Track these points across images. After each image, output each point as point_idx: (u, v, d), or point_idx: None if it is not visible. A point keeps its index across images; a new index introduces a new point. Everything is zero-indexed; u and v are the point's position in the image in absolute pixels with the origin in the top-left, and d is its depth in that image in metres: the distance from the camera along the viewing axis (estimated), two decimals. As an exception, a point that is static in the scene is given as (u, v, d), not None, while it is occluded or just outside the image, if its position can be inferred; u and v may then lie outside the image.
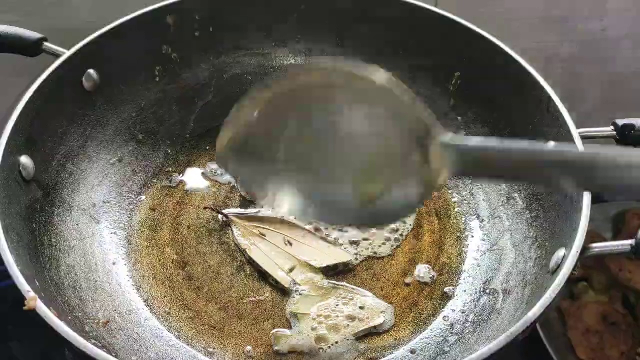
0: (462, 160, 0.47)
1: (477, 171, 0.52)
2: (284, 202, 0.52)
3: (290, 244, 0.67)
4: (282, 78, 0.53)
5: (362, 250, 0.67)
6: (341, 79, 0.48)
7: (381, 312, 0.62)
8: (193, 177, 0.74)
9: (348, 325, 0.61)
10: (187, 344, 0.60)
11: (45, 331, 0.49)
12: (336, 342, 0.60)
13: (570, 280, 0.54)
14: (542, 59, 0.93)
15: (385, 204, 0.51)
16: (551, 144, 0.57)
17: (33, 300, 0.50)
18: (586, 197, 0.57)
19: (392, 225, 0.69)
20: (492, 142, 0.47)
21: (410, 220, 0.70)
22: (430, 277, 0.66)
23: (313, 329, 0.61)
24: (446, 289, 0.65)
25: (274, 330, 0.61)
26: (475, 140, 0.48)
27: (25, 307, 0.50)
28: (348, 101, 0.48)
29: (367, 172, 0.50)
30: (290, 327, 0.61)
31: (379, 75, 0.47)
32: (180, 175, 0.74)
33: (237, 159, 0.52)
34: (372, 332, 0.62)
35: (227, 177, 0.73)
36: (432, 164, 0.48)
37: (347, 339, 0.61)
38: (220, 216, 0.69)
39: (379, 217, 0.53)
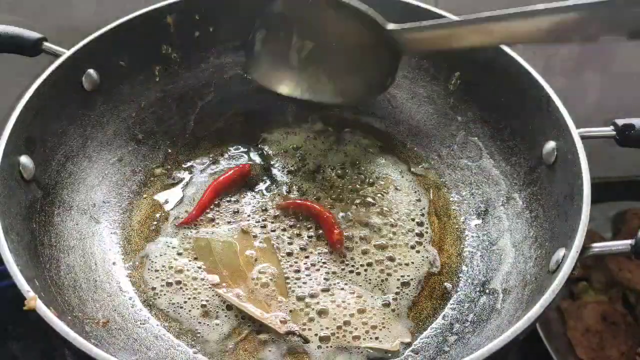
0: (411, 40, 0.67)
1: (422, 47, 0.69)
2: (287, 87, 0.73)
3: None
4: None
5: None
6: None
7: None
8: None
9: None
10: (188, 345, 0.60)
11: (45, 331, 0.49)
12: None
13: (570, 280, 0.54)
14: (542, 59, 0.93)
15: (356, 85, 0.72)
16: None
17: (33, 300, 0.50)
18: (586, 197, 0.57)
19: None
20: (431, 21, 0.66)
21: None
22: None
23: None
24: (446, 288, 0.65)
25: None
26: (416, 23, 0.66)
27: (25, 307, 0.50)
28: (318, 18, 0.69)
29: (340, 63, 0.71)
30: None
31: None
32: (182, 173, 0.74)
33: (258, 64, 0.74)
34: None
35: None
36: (387, 49, 0.68)
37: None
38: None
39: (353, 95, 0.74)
